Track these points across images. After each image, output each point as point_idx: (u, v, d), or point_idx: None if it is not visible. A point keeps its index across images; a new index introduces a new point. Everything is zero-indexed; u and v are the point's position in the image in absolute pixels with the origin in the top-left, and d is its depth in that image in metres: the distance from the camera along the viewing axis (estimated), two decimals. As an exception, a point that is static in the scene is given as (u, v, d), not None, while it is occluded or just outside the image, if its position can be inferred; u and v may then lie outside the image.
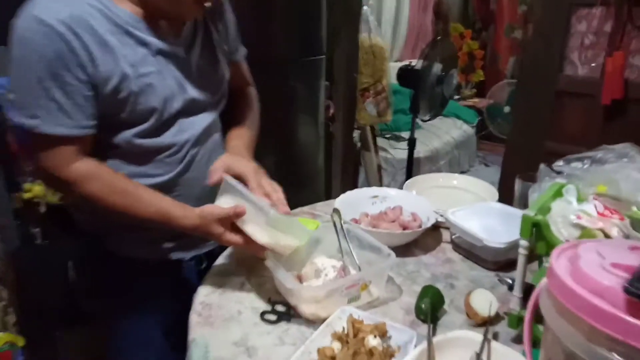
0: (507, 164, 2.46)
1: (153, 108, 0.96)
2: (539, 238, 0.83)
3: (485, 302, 0.92)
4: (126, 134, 0.96)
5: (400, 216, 1.19)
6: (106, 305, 1.12)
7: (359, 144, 3.09)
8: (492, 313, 0.91)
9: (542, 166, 1.10)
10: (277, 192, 1.00)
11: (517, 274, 0.84)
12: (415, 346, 0.79)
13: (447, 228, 1.23)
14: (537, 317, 0.66)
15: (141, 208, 0.93)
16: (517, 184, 1.24)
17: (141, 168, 1.00)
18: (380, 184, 3.27)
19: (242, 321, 0.91)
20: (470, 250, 1.12)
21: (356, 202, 1.27)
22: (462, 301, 0.98)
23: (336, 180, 2.83)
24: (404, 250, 1.16)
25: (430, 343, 0.77)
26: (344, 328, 0.87)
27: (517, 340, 0.86)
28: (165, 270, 1.10)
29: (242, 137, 1.16)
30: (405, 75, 2.34)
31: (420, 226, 1.18)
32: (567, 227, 0.82)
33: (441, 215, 1.20)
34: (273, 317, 0.92)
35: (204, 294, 0.99)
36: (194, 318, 0.92)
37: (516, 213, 1.16)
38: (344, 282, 0.90)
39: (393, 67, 2.74)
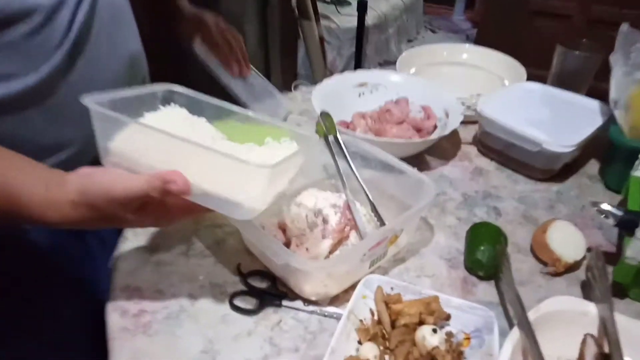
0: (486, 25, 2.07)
1: None
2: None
3: (567, 240, 0.62)
4: None
5: (409, 113, 0.81)
6: None
7: (297, 12, 2.54)
8: (581, 255, 0.61)
9: (624, 26, 0.75)
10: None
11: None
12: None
13: (469, 122, 0.89)
14: None
15: None
16: (558, 55, 0.89)
17: None
18: (324, 61, 2.80)
19: (197, 316, 0.55)
20: (507, 154, 0.79)
21: (338, 95, 0.87)
22: (521, 236, 0.67)
23: (274, 59, 2.34)
24: (414, 161, 0.81)
25: (530, 332, 0.46)
26: (373, 313, 0.54)
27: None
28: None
29: None
30: None
31: (435, 126, 0.82)
32: None
33: (468, 107, 0.84)
34: (251, 303, 0.56)
35: (124, 276, 0.60)
36: (113, 321, 0.54)
37: (561, 96, 0.83)
38: (369, 242, 0.54)
39: None
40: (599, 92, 0.85)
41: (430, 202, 0.61)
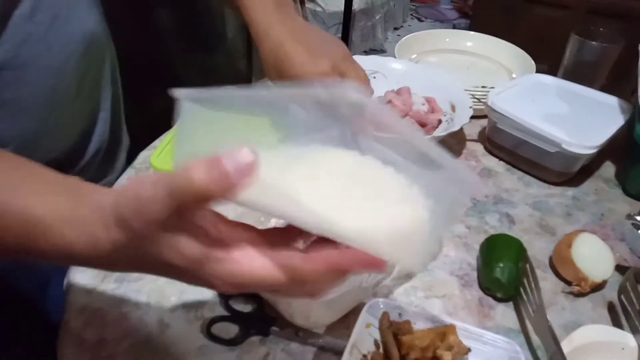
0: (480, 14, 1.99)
1: None
2: None
3: (595, 257, 0.54)
4: None
5: (412, 105, 0.73)
6: None
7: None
8: (609, 274, 0.54)
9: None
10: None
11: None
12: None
13: (475, 117, 0.81)
14: None
15: None
16: (572, 45, 0.82)
17: None
18: (309, 46, 2.67)
19: (168, 347, 0.46)
20: (518, 153, 0.72)
21: (332, 82, 0.78)
22: (538, 248, 0.60)
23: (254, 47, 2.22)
24: (416, 158, 0.73)
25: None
26: (378, 345, 0.45)
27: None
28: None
29: None
30: None
31: (440, 121, 0.74)
32: None
33: (477, 100, 0.76)
34: (233, 331, 0.47)
35: (80, 295, 0.50)
36: (67, 354, 0.45)
37: (577, 90, 0.76)
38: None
39: None
40: (610, 90, 0.78)
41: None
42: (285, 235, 0.29)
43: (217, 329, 0.47)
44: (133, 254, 0.27)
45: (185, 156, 0.32)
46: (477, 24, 1.98)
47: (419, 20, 3.78)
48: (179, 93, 0.30)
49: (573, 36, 0.81)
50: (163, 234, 0.25)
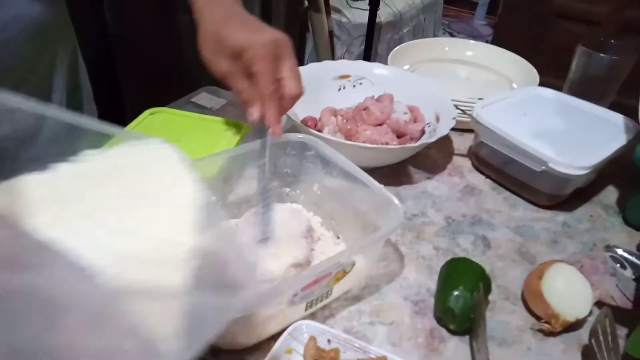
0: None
1: None
2: None
3: (570, 291, 0.47)
4: None
5: (391, 113, 0.68)
6: None
7: (306, 3, 2.42)
8: (585, 313, 0.47)
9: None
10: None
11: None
12: None
13: (467, 130, 0.75)
14: None
15: None
16: (579, 57, 0.75)
17: None
18: (333, 57, 2.66)
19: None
20: (506, 172, 0.65)
21: (312, 87, 0.73)
22: (512, 278, 0.53)
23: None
24: (392, 172, 0.68)
25: None
26: (298, 374, 0.40)
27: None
28: None
29: None
30: None
31: (423, 131, 0.68)
32: None
33: (462, 112, 0.70)
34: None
35: None
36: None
37: (578, 106, 0.69)
38: (298, 280, 0.41)
39: None
40: (621, 107, 0.70)
41: (394, 228, 0.47)
42: None
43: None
44: None
45: None
46: (502, 38, 1.91)
47: (451, 35, 3.70)
48: None
49: (580, 47, 0.74)
50: None
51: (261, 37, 0.48)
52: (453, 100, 0.69)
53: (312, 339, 0.41)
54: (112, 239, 0.28)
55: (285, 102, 0.52)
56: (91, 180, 0.30)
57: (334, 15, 2.64)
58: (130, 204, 0.30)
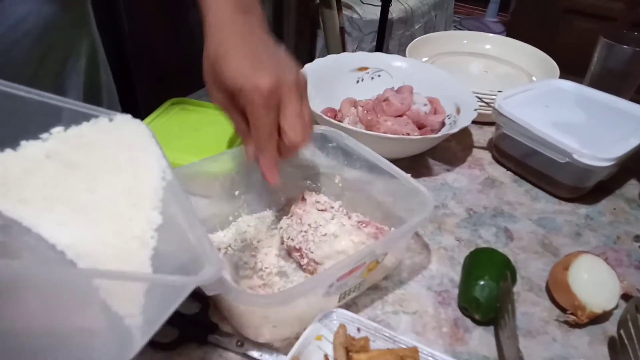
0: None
1: None
2: None
3: (596, 283, 0.47)
4: None
5: (411, 104, 0.67)
6: None
7: (317, -1, 2.42)
8: (612, 305, 0.47)
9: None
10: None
11: None
12: None
13: (487, 123, 0.75)
14: None
15: None
16: (601, 49, 0.74)
17: None
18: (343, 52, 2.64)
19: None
20: (527, 164, 0.65)
21: (330, 78, 0.74)
22: (535, 269, 0.53)
23: (288, 47, 2.21)
24: (412, 164, 0.67)
25: None
26: (326, 360, 0.40)
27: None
28: None
29: None
30: None
31: (443, 123, 0.68)
32: None
33: (486, 104, 0.69)
34: (171, 334, 0.43)
35: None
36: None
37: (600, 98, 0.68)
38: (335, 271, 0.40)
39: None
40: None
41: (425, 218, 0.47)
42: None
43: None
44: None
45: None
46: (514, 35, 1.89)
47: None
48: None
49: (601, 39, 0.73)
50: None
51: (259, 80, 0.40)
52: (477, 92, 0.69)
53: (342, 326, 0.41)
54: (74, 217, 0.29)
55: (285, 148, 0.44)
56: (57, 157, 0.31)
57: (345, 12, 2.63)
58: (95, 181, 0.31)
